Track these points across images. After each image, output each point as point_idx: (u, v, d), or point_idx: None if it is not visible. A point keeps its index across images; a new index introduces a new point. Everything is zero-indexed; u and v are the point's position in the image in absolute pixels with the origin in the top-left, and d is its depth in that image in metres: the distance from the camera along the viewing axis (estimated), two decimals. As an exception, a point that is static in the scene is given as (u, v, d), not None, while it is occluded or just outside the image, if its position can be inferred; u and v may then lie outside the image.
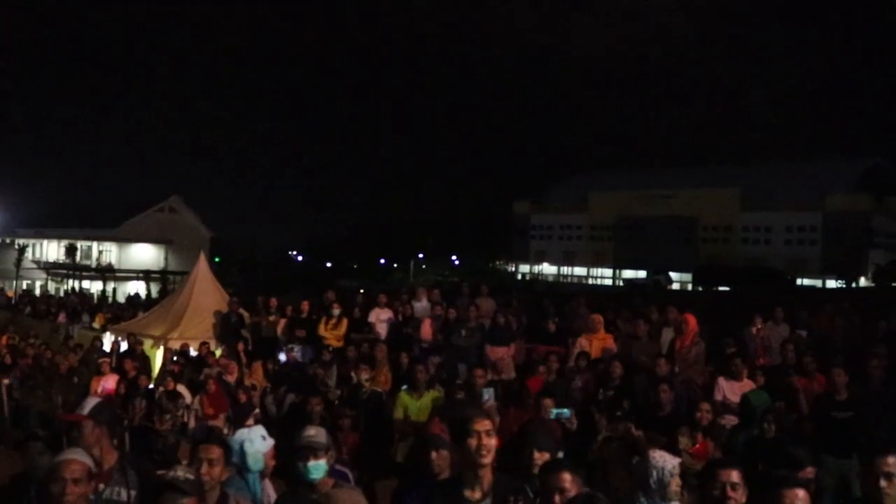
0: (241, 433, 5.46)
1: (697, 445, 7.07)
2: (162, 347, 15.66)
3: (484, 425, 3.96)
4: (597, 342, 11.55)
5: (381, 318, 14.33)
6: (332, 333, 13.95)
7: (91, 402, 4.61)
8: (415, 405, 8.79)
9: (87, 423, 4.42)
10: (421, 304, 14.84)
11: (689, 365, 10.01)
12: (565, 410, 7.30)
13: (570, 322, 14.30)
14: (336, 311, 14.41)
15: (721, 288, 49.03)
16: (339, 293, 16.42)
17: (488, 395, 8.50)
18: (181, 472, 3.69)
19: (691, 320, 10.46)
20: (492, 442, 3.95)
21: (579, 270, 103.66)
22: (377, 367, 11.38)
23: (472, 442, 3.91)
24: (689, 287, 64.17)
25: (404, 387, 9.57)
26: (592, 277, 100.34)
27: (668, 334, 11.25)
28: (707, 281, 57.24)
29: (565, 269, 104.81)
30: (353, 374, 10.91)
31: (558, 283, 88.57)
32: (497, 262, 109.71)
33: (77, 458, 3.92)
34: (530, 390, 8.70)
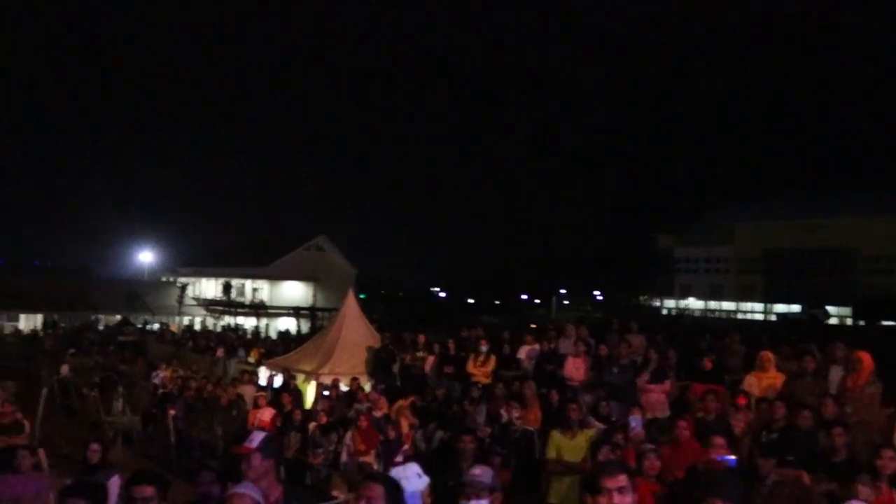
0: (397, 471, 5.44)
1: (882, 496, 6.52)
2: (314, 382, 16.08)
3: (617, 482, 3.54)
4: (766, 381, 10.96)
5: (529, 355, 14.20)
6: (480, 370, 13.92)
7: (259, 436, 4.72)
8: (568, 445, 8.57)
9: (255, 456, 4.52)
10: (568, 341, 14.61)
11: (864, 406, 9.32)
12: (732, 458, 6.88)
13: (723, 358, 13.72)
14: (484, 348, 14.39)
15: (886, 322, 45.96)
16: (485, 330, 16.42)
17: (635, 422, 8.20)
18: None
19: (866, 358, 9.76)
20: (626, 500, 3.53)
21: (727, 305, 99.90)
22: (527, 404, 11.23)
23: (602, 501, 3.52)
24: (849, 321, 60.45)
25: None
26: (741, 312, 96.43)
27: (835, 372, 10.54)
28: (869, 314, 53.82)
29: (712, 304, 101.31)
30: (502, 411, 10.81)
31: (706, 318, 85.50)
32: (641, 298, 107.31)
33: (247, 493, 4.00)
34: (687, 430, 8.33)
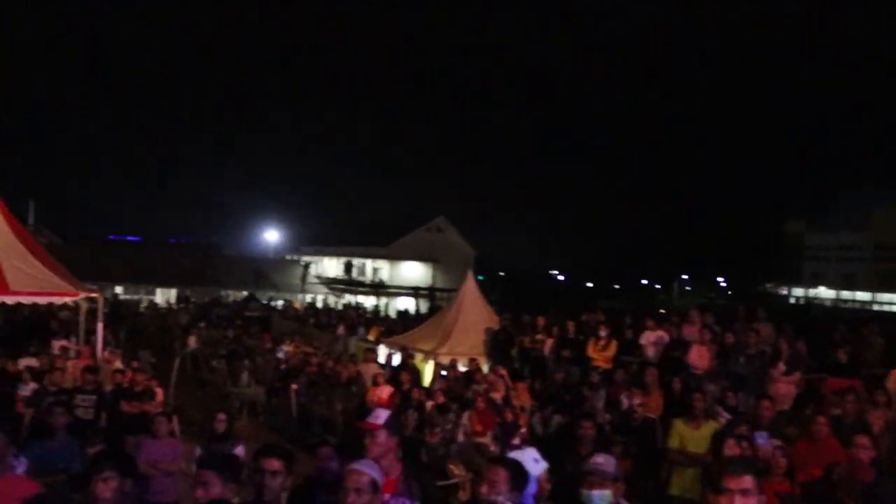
0: (514, 455, 5.32)
1: None
2: (432, 362, 16.17)
3: (741, 483, 3.27)
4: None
5: (651, 341, 13.81)
6: (600, 355, 13.65)
7: (384, 413, 4.69)
8: (692, 435, 8.24)
9: (381, 432, 4.50)
10: (692, 328, 14.11)
11: None
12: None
13: (859, 351, 12.97)
14: (603, 333, 14.10)
15: None
16: (606, 314, 16.07)
17: (762, 439, 7.75)
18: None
19: None
20: (750, 503, 3.25)
21: (861, 295, 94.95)
22: (648, 391, 10.91)
23: (723, 501, 3.26)
24: None
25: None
26: (878, 303, 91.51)
27: None
28: None
29: (844, 294, 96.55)
30: (623, 397, 10.55)
31: (838, 309, 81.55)
32: (767, 285, 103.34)
33: (364, 471, 3.97)
34: (826, 426, 7.87)
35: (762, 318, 14.51)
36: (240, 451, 7.81)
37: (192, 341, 22.60)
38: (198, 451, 8.21)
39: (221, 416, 8.35)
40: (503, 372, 13.39)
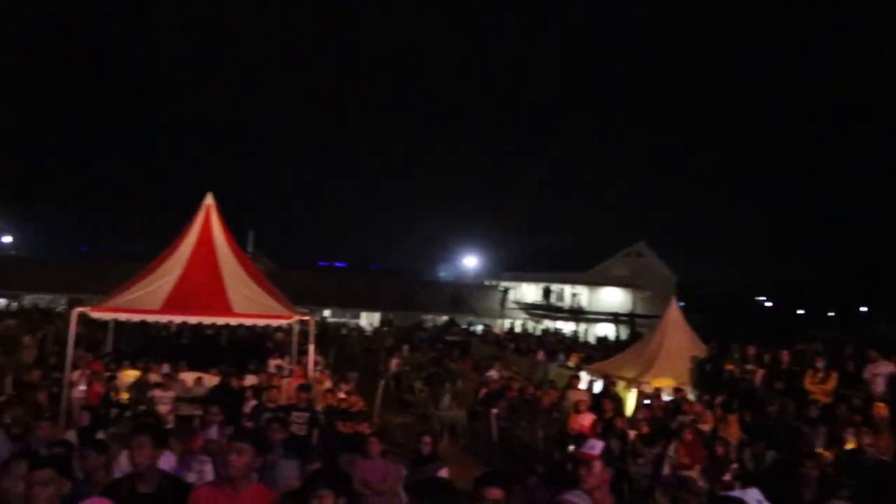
0: (737, 495, 5.01)
1: None
2: (635, 390, 15.73)
3: None
4: None
5: (877, 374, 12.70)
6: (819, 388, 12.72)
7: (598, 444, 4.55)
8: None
9: (597, 463, 4.37)
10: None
11: None
12: None
13: None
14: (821, 364, 13.14)
15: None
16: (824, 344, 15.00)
17: None
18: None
19: None
20: None
21: None
22: (877, 430, 10.02)
23: None
24: None
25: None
26: None
27: None
28: None
29: None
30: (848, 435, 9.75)
31: None
32: None
33: (577, 502, 3.86)
34: None
35: None
36: (443, 473, 7.91)
37: (395, 363, 23.30)
38: (404, 472, 8.40)
39: (427, 439, 8.49)
40: (718, 400, 12.81)
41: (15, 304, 43.55)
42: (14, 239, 67.79)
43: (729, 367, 14.77)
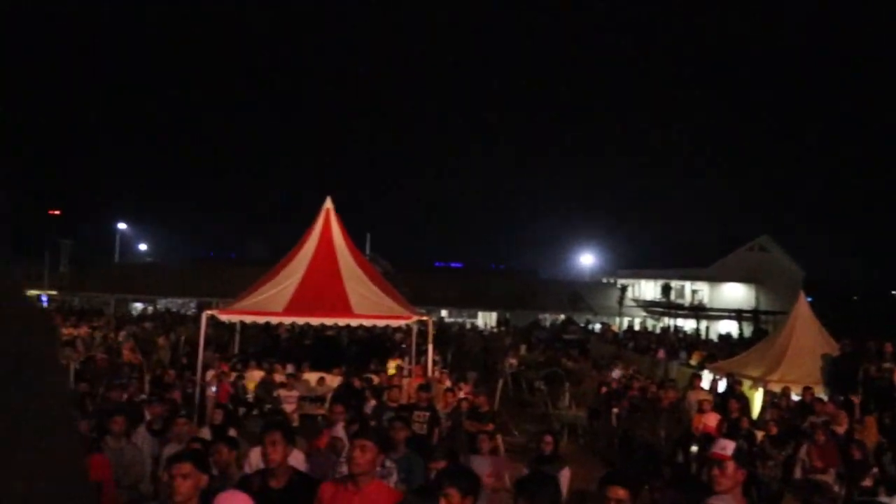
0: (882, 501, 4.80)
1: None
2: (761, 389, 15.20)
3: None
4: None
5: None
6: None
7: (729, 444, 4.47)
8: None
9: (730, 464, 4.28)
10: None
11: None
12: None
13: None
14: (968, 362, 12.36)
15: None
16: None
17: None
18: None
19: None
20: None
21: None
22: None
23: None
24: None
25: None
26: None
27: None
28: None
29: None
30: None
31: None
32: None
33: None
34: None
35: None
36: (565, 473, 7.85)
37: (512, 362, 23.29)
38: (524, 470, 8.37)
39: (548, 438, 8.43)
40: (857, 400, 12.24)
41: (150, 308, 45.89)
42: (149, 246, 71.49)
43: (864, 365, 14.06)
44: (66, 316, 31.98)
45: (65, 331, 23.87)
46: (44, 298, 46.56)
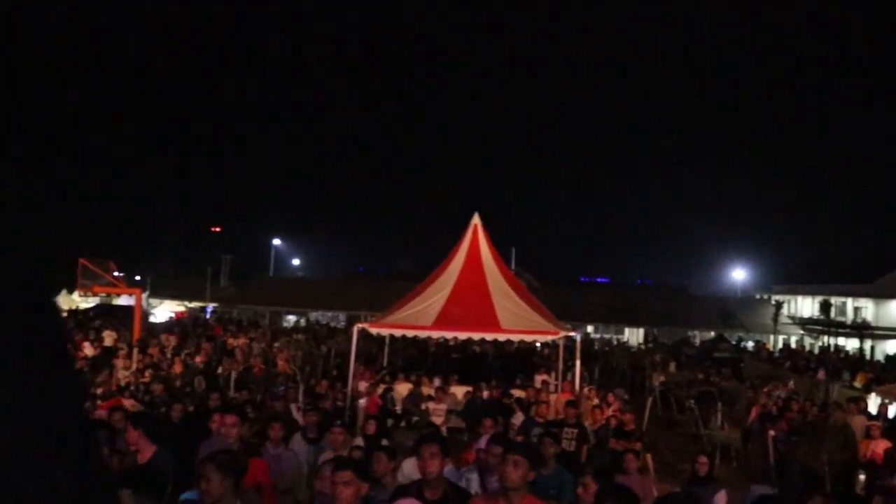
0: None
1: None
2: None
3: None
4: None
5: None
6: None
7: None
8: None
9: None
10: None
11: None
12: None
13: None
14: None
15: None
16: None
17: None
18: None
19: None
20: None
21: None
22: None
23: None
24: None
25: None
26: None
27: None
28: None
29: None
30: None
31: None
32: None
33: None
34: None
35: None
36: (721, 496, 7.59)
37: (659, 378, 22.72)
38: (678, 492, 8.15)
39: (703, 459, 8.19)
40: None
41: (302, 321, 47.73)
42: (301, 261, 74.46)
43: None
44: (226, 326, 33.85)
45: (227, 340, 25.24)
46: (209, 309, 49.40)
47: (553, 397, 14.65)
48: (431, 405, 15.22)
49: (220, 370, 17.78)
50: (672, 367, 25.83)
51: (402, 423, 14.74)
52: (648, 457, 10.76)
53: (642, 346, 38.76)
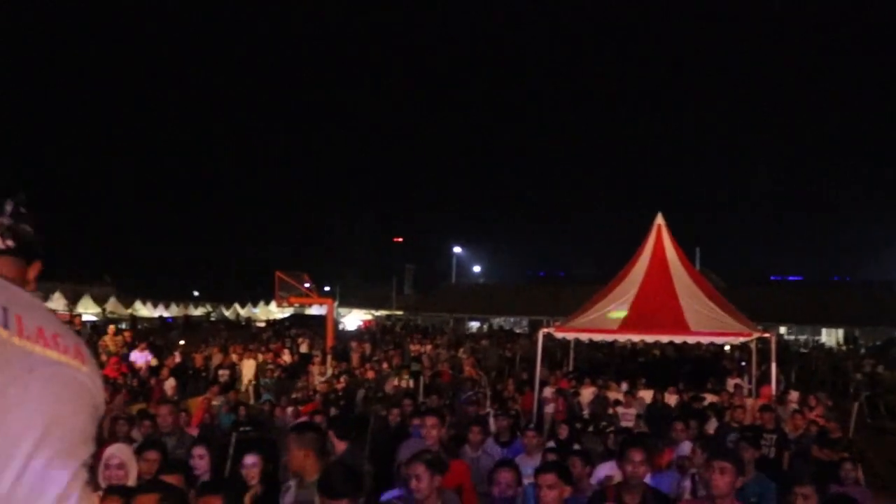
0: None
1: None
2: None
3: None
4: None
5: None
6: None
7: None
8: None
9: None
10: None
11: None
12: None
13: None
14: None
15: None
16: None
17: None
18: None
19: None
20: None
21: None
22: None
23: None
24: None
25: None
26: None
27: None
28: None
29: None
30: None
31: None
32: None
33: None
34: None
35: None
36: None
37: (866, 383, 21.34)
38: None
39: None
40: None
41: (485, 326, 48.36)
42: (482, 268, 75.51)
43: None
44: (412, 333, 34.93)
45: (412, 347, 25.99)
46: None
47: (749, 402, 14.08)
48: (620, 409, 15.00)
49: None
50: (880, 369, 24.13)
51: (590, 428, 14.60)
52: (859, 467, 10.11)
53: (843, 348, 36.38)
